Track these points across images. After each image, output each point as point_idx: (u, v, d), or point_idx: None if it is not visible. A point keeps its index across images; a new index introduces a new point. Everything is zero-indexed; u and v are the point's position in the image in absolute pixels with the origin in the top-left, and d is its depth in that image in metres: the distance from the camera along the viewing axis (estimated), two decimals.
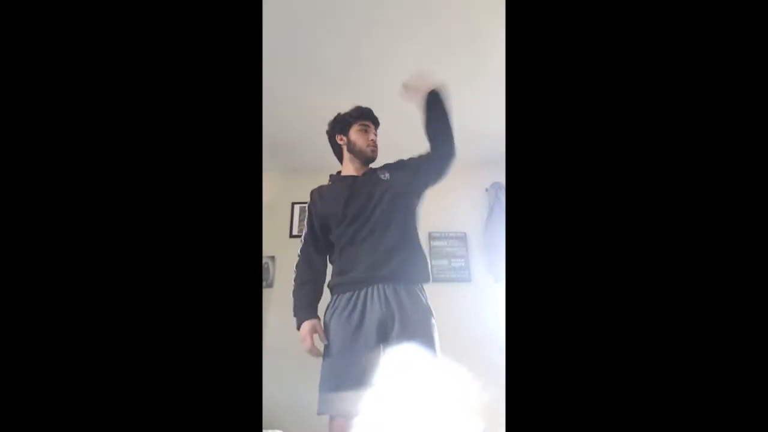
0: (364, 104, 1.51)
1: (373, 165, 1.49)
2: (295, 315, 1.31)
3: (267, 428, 1.92)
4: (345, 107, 1.51)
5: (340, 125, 1.48)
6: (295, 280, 1.40)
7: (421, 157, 1.43)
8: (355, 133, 1.45)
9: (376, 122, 1.50)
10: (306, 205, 1.49)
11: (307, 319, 1.26)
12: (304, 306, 1.30)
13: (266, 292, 2.64)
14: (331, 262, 1.43)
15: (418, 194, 1.44)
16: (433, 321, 1.26)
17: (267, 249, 2.71)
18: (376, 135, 1.48)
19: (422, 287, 1.32)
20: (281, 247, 2.76)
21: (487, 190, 2.80)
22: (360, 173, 1.45)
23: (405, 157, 1.48)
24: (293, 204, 2.87)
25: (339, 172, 1.52)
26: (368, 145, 1.44)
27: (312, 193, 1.49)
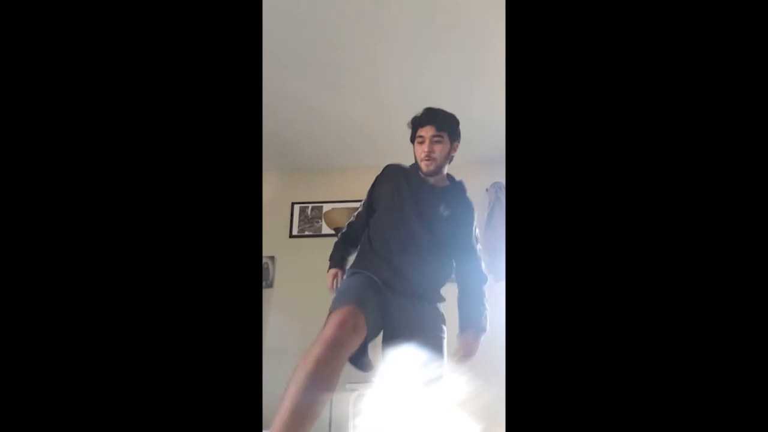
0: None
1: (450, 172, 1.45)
2: (329, 261, 1.48)
3: (267, 428, 1.92)
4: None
5: (411, 134, 1.40)
6: (341, 234, 1.48)
7: (477, 264, 1.42)
8: (416, 145, 1.37)
9: (438, 124, 1.33)
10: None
11: (335, 267, 1.46)
12: (338, 258, 1.47)
13: (266, 292, 2.64)
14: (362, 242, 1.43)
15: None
16: (444, 328, 1.28)
17: (267, 249, 2.71)
18: (438, 142, 1.33)
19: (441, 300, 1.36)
20: (281, 247, 2.76)
21: (487, 190, 2.80)
22: (430, 181, 1.38)
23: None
24: (293, 204, 2.87)
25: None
26: (422, 159, 1.34)
27: (389, 168, 1.44)
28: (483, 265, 1.41)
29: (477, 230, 1.45)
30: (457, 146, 1.40)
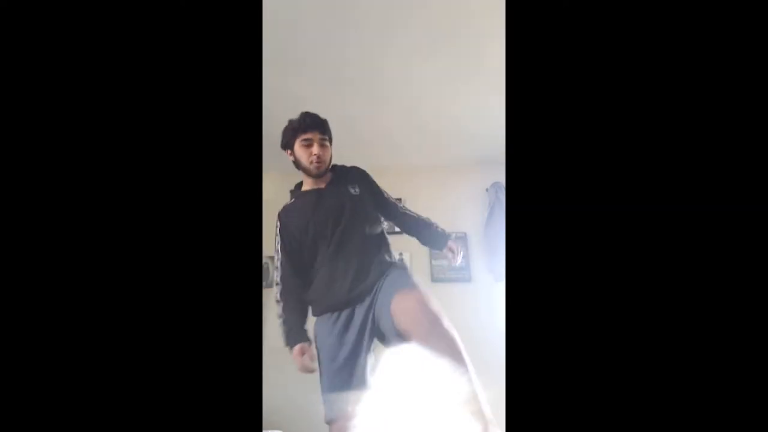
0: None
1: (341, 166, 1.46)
2: (286, 344, 1.30)
3: (267, 428, 1.92)
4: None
5: (285, 139, 1.37)
6: (281, 311, 1.36)
7: (406, 216, 1.45)
8: (298, 149, 1.35)
9: (323, 130, 1.35)
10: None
11: (297, 343, 1.26)
12: (293, 332, 1.30)
13: (266, 292, 2.64)
14: (308, 295, 1.37)
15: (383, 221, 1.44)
16: (410, 271, 1.28)
17: (267, 249, 2.71)
18: (323, 146, 1.34)
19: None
20: None
21: (487, 190, 2.80)
22: (323, 186, 1.38)
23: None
24: None
25: (299, 185, 1.47)
26: (311, 162, 1.33)
27: (279, 215, 1.43)
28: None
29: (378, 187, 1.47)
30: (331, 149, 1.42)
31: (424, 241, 1.47)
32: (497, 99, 2.20)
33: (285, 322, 1.33)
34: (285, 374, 2.21)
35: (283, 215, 1.42)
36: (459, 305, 2.51)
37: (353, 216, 1.31)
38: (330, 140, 1.38)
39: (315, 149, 1.32)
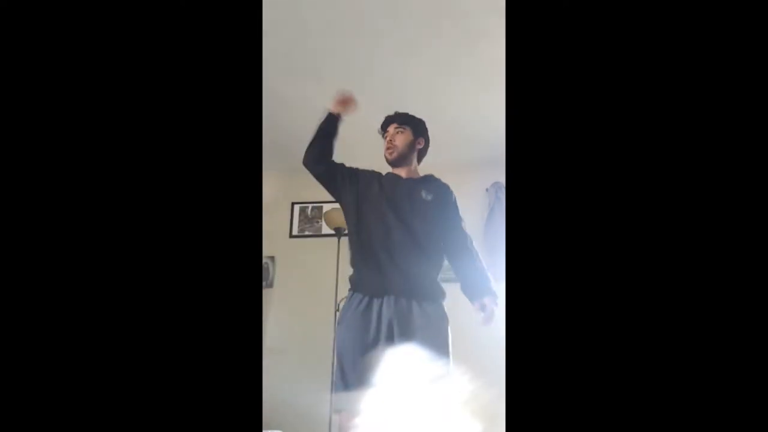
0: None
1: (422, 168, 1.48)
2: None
3: (267, 428, 1.92)
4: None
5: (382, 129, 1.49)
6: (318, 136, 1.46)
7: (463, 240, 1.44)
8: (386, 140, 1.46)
9: (401, 122, 1.45)
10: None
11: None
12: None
13: (266, 292, 2.64)
14: (351, 244, 1.42)
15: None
16: (449, 328, 1.28)
17: (267, 249, 2.71)
18: (397, 133, 1.43)
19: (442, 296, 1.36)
20: (281, 247, 2.76)
21: (487, 190, 2.80)
22: (404, 176, 1.44)
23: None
24: (293, 204, 2.87)
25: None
26: (385, 149, 1.44)
27: (358, 170, 1.48)
28: (474, 242, 1.45)
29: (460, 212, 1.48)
30: (423, 142, 1.48)
31: (465, 287, 1.41)
32: (497, 99, 2.20)
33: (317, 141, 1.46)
34: (285, 374, 2.21)
35: (365, 171, 1.47)
36: (459, 305, 2.50)
37: (414, 217, 1.34)
38: (414, 132, 1.46)
39: (388, 137, 1.44)
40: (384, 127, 1.47)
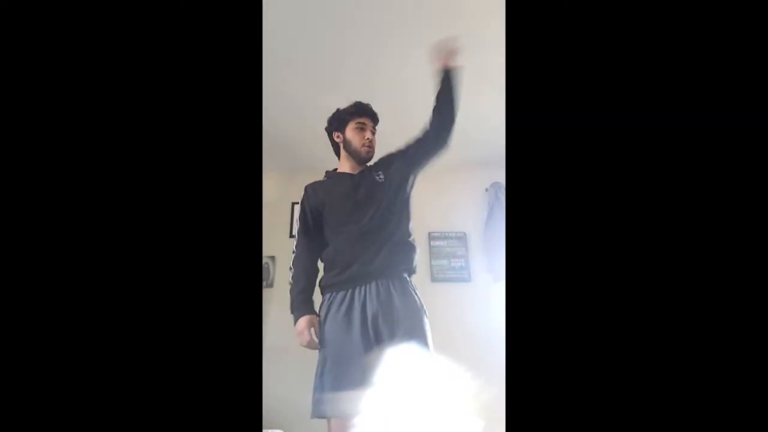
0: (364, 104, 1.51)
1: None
2: (292, 312, 1.33)
3: (267, 428, 1.92)
4: (344, 107, 1.51)
5: (337, 122, 1.46)
6: (291, 278, 1.41)
7: (415, 141, 1.42)
8: (351, 131, 1.42)
9: (374, 119, 1.46)
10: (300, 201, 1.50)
11: (304, 315, 1.29)
12: (301, 303, 1.33)
13: (266, 292, 2.64)
14: (322, 260, 1.41)
15: (412, 180, 1.43)
16: (426, 320, 1.26)
17: (267, 249, 2.71)
18: (373, 133, 1.44)
19: (414, 286, 1.32)
20: (281, 247, 2.75)
21: (487, 190, 2.80)
22: (356, 171, 1.44)
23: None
24: (293, 204, 2.86)
25: (335, 169, 1.51)
26: (363, 145, 1.41)
27: (306, 188, 1.48)
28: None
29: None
30: None
31: (435, 121, 1.36)
32: (497, 99, 2.20)
33: (292, 291, 1.37)
34: (285, 374, 2.21)
35: (311, 189, 1.48)
36: (458, 305, 2.51)
37: (378, 204, 1.33)
38: (375, 126, 1.46)
39: (368, 134, 1.42)
40: (356, 115, 1.42)
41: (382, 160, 1.48)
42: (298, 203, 3.18)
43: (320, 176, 1.54)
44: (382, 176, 1.41)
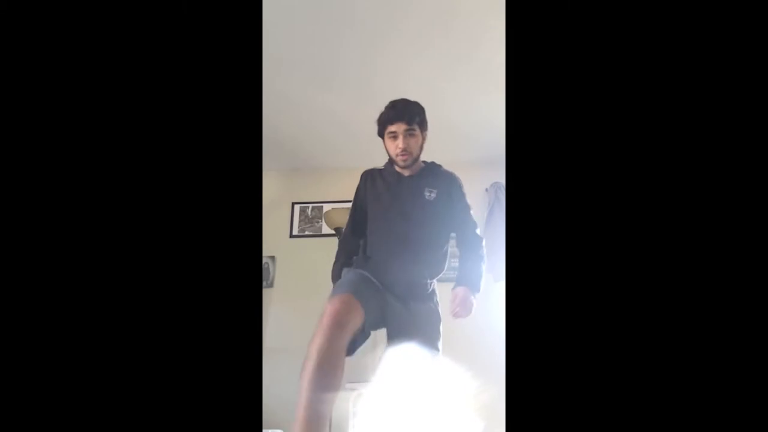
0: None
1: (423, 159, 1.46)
2: (333, 274, 1.45)
3: (267, 428, 1.92)
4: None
5: (378, 128, 1.39)
6: (336, 259, 1.48)
7: (461, 231, 1.43)
8: (386, 140, 1.37)
9: (409, 119, 1.33)
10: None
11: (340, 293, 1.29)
12: (339, 269, 1.43)
13: (266, 292, 2.64)
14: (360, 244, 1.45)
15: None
16: (440, 329, 1.29)
17: (267, 249, 2.71)
18: (409, 136, 1.33)
19: (436, 293, 1.37)
20: (281, 247, 2.76)
21: (487, 190, 2.80)
22: (407, 174, 1.41)
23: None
24: (293, 204, 2.87)
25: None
26: (397, 155, 1.34)
27: (365, 174, 1.48)
28: (479, 230, 1.44)
29: (466, 196, 1.45)
30: (426, 134, 1.42)
31: (460, 275, 1.40)
32: (497, 98, 2.20)
33: (334, 271, 1.45)
34: (285, 374, 2.21)
35: (369, 176, 1.47)
36: None
37: (419, 217, 1.35)
38: (421, 128, 1.38)
39: (400, 142, 1.33)
40: (386, 122, 1.34)
41: (446, 178, 1.42)
42: (298, 203, 3.17)
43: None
44: (433, 195, 1.37)
